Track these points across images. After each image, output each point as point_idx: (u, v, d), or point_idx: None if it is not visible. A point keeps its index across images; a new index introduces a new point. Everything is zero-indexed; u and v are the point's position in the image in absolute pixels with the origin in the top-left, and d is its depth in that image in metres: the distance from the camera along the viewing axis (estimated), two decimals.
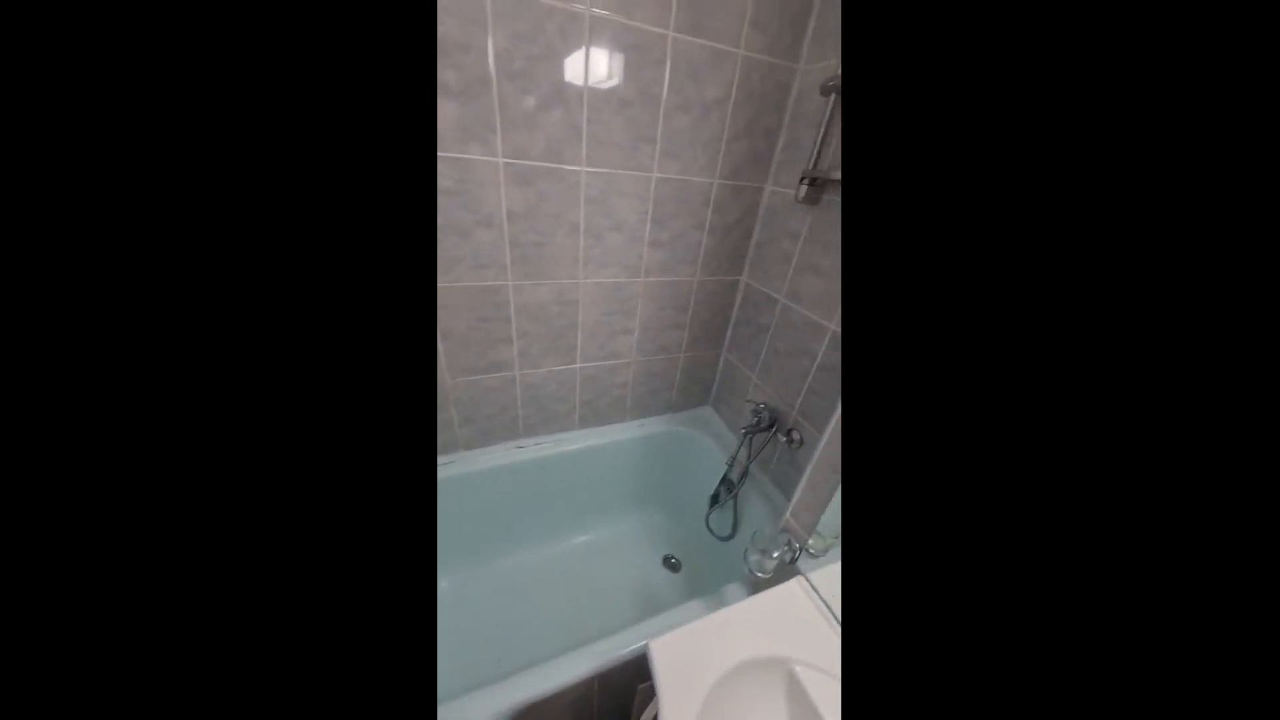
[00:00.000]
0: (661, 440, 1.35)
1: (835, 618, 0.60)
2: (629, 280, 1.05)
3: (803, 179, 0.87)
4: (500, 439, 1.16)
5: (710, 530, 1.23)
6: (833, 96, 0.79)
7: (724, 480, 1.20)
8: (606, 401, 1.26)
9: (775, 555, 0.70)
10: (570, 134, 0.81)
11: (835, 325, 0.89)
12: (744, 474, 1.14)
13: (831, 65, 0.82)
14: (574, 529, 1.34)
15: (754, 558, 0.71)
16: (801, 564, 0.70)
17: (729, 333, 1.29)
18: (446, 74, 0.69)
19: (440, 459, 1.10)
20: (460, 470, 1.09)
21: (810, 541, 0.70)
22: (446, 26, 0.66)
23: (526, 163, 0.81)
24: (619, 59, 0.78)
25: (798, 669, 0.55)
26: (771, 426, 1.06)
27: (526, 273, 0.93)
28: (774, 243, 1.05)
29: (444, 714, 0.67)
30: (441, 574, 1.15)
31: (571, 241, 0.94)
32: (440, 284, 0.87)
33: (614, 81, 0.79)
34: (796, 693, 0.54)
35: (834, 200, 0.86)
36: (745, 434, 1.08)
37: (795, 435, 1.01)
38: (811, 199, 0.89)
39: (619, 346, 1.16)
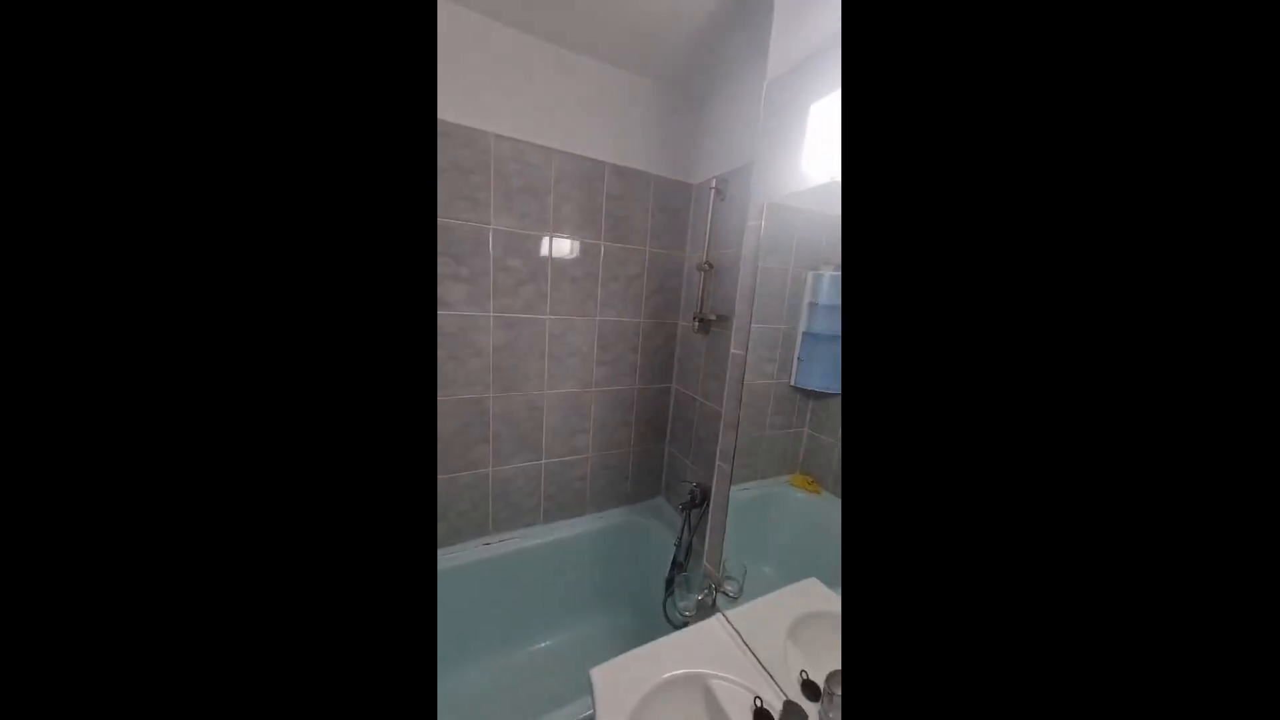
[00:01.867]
0: (619, 531, 1.49)
1: (746, 646, 0.76)
2: (582, 390, 1.38)
3: (694, 318, 1.31)
4: (469, 536, 1.28)
5: (668, 619, 1.30)
6: (702, 274, 1.28)
7: (674, 563, 1.33)
8: (569, 494, 1.44)
9: (698, 597, 0.86)
10: (539, 298, 1.24)
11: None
12: (688, 550, 1.29)
13: (700, 253, 1.34)
14: (536, 634, 1.34)
15: (681, 603, 0.87)
16: (721, 605, 0.86)
17: (668, 429, 1.59)
18: (460, 269, 1.12)
19: None
20: None
21: (727, 586, 0.88)
22: (465, 242, 1.11)
23: (510, 315, 1.20)
24: (575, 254, 1.26)
25: (713, 681, 0.69)
26: (703, 501, 1.28)
27: (504, 387, 1.24)
28: (689, 358, 1.45)
29: None
30: None
31: (539, 364, 1.28)
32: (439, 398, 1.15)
33: (571, 263, 1.26)
34: (711, 700, 0.67)
35: (718, 331, 1.29)
36: (683, 511, 1.28)
37: None
38: (703, 330, 1.32)
39: (578, 443, 1.42)
